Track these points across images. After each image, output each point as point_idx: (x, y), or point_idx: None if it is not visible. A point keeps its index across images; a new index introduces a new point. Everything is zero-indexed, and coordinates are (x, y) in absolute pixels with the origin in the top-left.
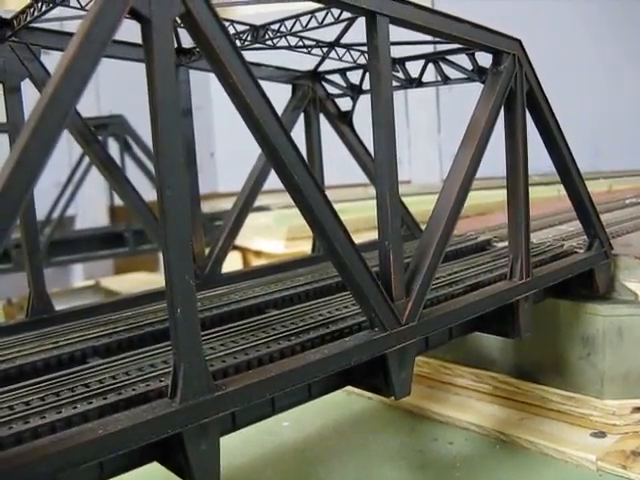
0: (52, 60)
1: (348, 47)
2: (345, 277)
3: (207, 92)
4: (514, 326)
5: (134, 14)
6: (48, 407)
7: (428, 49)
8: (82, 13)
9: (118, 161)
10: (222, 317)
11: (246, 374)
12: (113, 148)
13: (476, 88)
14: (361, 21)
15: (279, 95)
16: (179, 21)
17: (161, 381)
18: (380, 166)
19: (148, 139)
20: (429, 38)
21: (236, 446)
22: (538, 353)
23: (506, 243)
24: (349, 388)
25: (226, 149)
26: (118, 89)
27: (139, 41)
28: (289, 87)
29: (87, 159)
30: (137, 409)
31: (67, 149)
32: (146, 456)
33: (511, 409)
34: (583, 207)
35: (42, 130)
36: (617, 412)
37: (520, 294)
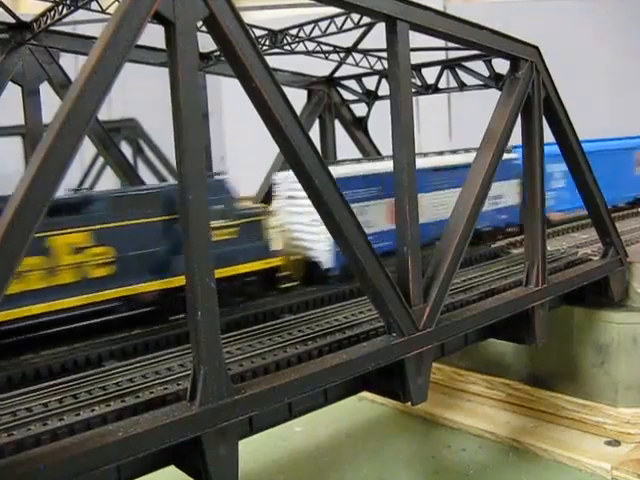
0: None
1: (365, 53)
2: (363, 282)
3: (218, 95)
4: (530, 332)
5: (158, 17)
6: (66, 409)
7: (442, 55)
8: (98, 16)
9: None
10: (238, 321)
11: (265, 378)
12: (125, 151)
13: (488, 92)
14: (378, 28)
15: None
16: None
17: (179, 384)
18: (399, 174)
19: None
20: (442, 43)
21: (249, 452)
22: (552, 360)
23: (519, 250)
24: (362, 393)
25: (237, 152)
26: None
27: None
28: (300, 91)
29: (99, 162)
30: (156, 412)
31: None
32: (164, 459)
33: (524, 416)
34: (598, 214)
35: (66, 134)
36: (631, 420)
37: (536, 301)
